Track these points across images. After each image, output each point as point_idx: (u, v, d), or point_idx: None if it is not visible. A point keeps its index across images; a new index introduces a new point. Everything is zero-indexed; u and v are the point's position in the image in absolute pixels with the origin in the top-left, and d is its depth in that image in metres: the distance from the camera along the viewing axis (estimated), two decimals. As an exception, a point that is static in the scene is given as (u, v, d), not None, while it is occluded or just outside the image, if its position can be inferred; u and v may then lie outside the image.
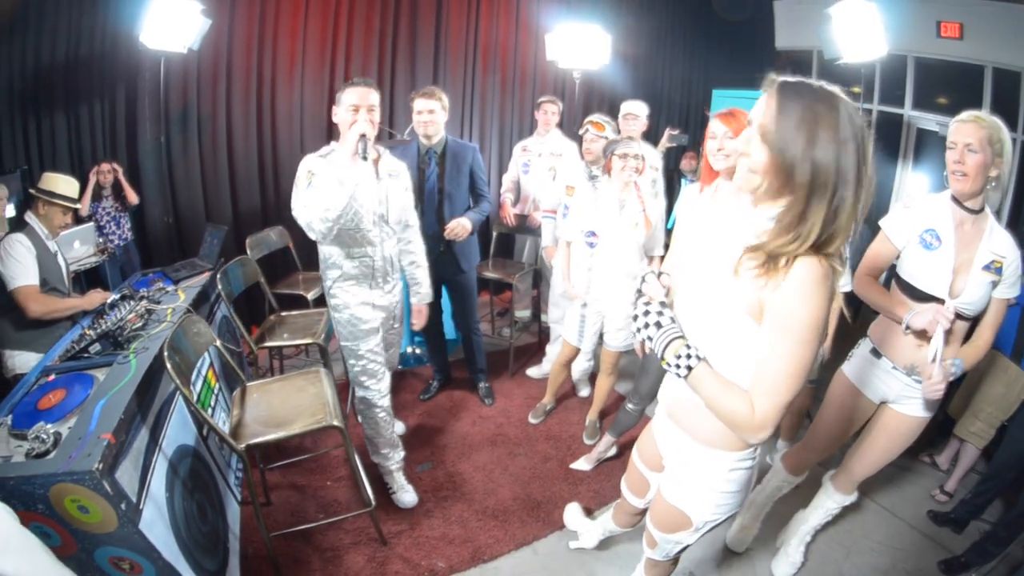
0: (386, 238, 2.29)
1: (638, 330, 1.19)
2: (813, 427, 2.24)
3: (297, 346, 2.71)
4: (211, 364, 2.32)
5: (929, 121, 5.12)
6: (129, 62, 3.32)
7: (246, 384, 2.12)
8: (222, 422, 2.01)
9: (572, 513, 2.41)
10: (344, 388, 3.07)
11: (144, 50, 3.15)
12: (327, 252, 2.23)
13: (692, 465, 1.35)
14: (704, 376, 1.12)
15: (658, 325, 1.16)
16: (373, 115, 2.07)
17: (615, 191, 2.62)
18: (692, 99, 6.08)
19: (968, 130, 1.71)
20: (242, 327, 2.65)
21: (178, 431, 1.88)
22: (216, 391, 2.32)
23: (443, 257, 2.93)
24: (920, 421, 1.98)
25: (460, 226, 2.87)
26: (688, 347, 1.14)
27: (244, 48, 3.67)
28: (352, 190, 1.94)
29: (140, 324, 2.06)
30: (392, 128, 4.15)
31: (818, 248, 1.00)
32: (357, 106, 2.06)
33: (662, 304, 1.20)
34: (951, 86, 5.05)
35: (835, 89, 1.01)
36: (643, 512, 1.78)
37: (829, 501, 2.30)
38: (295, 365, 3.27)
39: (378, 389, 2.36)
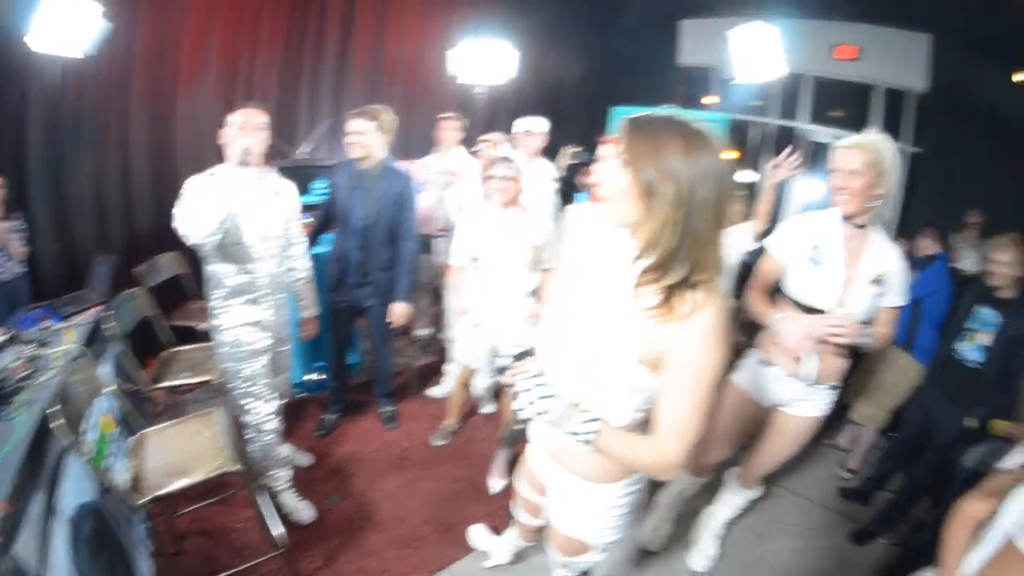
0: (271, 255, 2.37)
1: (530, 404, 1.20)
2: (710, 432, 2.33)
3: (196, 383, 2.70)
4: (105, 411, 2.27)
5: (823, 134, 5.71)
6: (17, 65, 3.12)
7: (143, 432, 2.12)
8: (124, 469, 2.01)
9: (477, 534, 2.54)
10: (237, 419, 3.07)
11: (34, 55, 2.98)
12: (211, 270, 2.29)
13: (582, 499, 1.43)
14: (608, 436, 1.18)
15: (552, 397, 1.19)
16: (259, 133, 2.23)
17: (492, 212, 2.70)
18: (596, 115, 6.16)
19: (849, 156, 1.86)
20: (136, 367, 2.60)
21: (77, 488, 1.86)
22: (113, 437, 2.29)
23: (360, 287, 2.98)
24: (813, 421, 2.17)
25: (399, 317, 3.01)
26: (586, 412, 1.18)
27: (145, 56, 3.56)
28: (231, 198, 2.06)
29: (26, 372, 2.03)
30: (291, 144, 4.13)
31: (694, 282, 1.07)
32: (244, 124, 2.20)
33: (546, 378, 1.23)
34: (844, 103, 5.65)
35: (693, 121, 1.08)
36: (535, 530, 1.92)
37: (735, 496, 2.55)
38: (196, 399, 3.24)
39: (264, 413, 2.42)
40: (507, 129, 3.98)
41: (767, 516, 2.96)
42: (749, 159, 6.25)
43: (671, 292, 1.08)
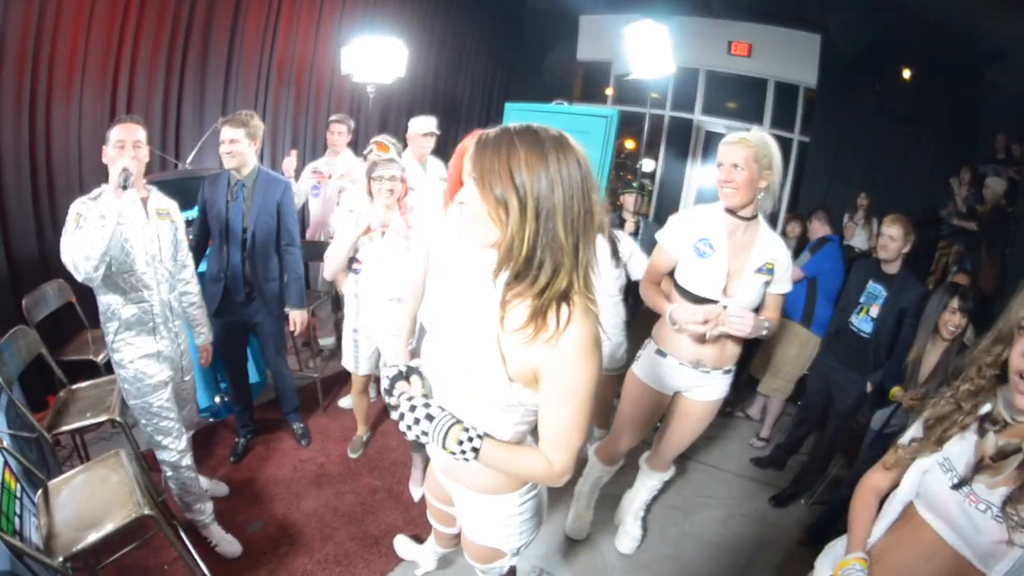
0: (162, 280, 2.33)
1: (408, 427, 1.19)
2: (616, 423, 2.52)
3: (97, 423, 2.57)
4: (5, 464, 2.16)
5: (717, 125, 6.15)
6: None
7: (47, 484, 2.03)
8: (34, 528, 1.92)
9: (401, 544, 2.60)
10: (150, 457, 2.92)
11: None
12: (104, 302, 2.23)
13: (483, 510, 1.47)
14: (491, 452, 1.19)
15: (429, 418, 1.18)
16: (139, 151, 2.16)
17: (377, 215, 2.69)
18: (492, 111, 6.36)
19: (733, 151, 1.94)
20: (30, 416, 2.42)
21: None
22: (18, 494, 2.17)
23: (249, 302, 2.92)
24: (714, 404, 2.28)
25: (301, 323, 3.05)
26: (466, 430, 1.18)
27: (16, 62, 3.24)
28: (114, 225, 2.01)
29: (-95, 433, 1.91)
30: (177, 157, 3.99)
31: (560, 293, 1.08)
32: (122, 142, 2.14)
33: (425, 396, 1.24)
34: (738, 96, 6.08)
35: (545, 130, 1.11)
36: (452, 536, 1.97)
37: (649, 479, 2.66)
38: (102, 437, 3.11)
39: (177, 448, 2.38)
40: (400, 127, 4.03)
41: (688, 492, 3.15)
42: (649, 149, 6.54)
43: (537, 308, 1.09)
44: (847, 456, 3.30)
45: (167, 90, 3.99)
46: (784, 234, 4.39)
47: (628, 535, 2.75)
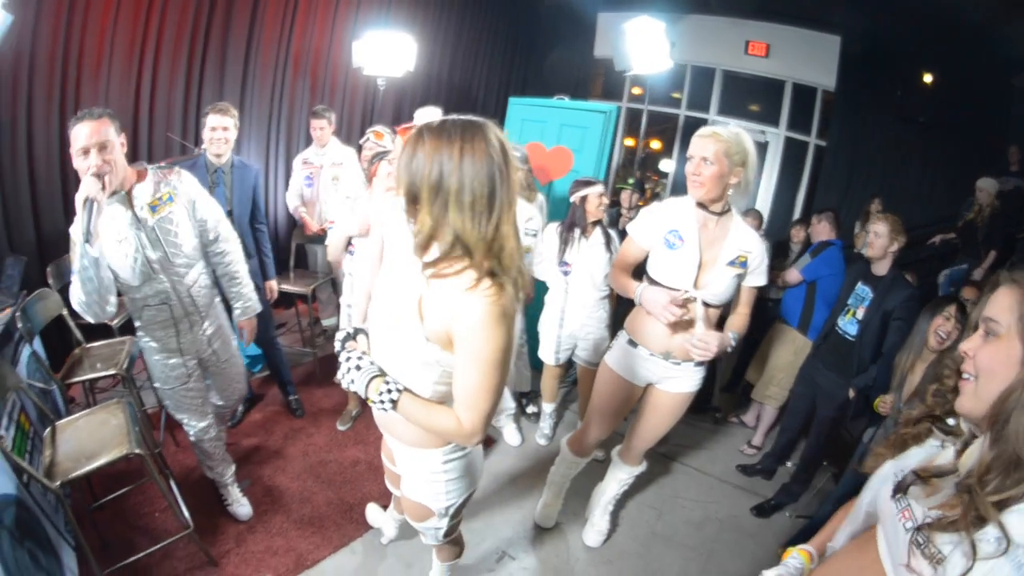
0: (177, 278, 2.26)
1: (342, 376, 1.40)
2: (588, 413, 2.60)
3: (111, 377, 2.93)
4: (22, 407, 2.53)
5: (733, 125, 6.18)
6: None
7: (55, 423, 2.38)
8: (38, 465, 2.23)
9: (372, 512, 2.82)
10: (158, 416, 3.35)
11: None
12: (127, 301, 2.27)
13: (413, 464, 1.65)
14: (408, 405, 1.37)
15: (358, 368, 1.38)
16: (106, 154, 1.94)
17: (375, 198, 2.95)
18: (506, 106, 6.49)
19: (704, 144, 1.99)
20: (48, 367, 2.85)
21: None
22: (30, 435, 2.54)
23: None
24: (685, 396, 2.33)
25: (274, 291, 3.34)
26: (387, 383, 1.36)
27: (48, 49, 3.66)
28: (93, 271, 1.89)
29: (-60, 378, 2.28)
30: (196, 144, 4.26)
31: (487, 272, 1.26)
32: (85, 148, 1.91)
33: (362, 353, 1.44)
34: (755, 97, 6.12)
35: (454, 123, 1.27)
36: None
37: (620, 472, 2.70)
38: (115, 395, 3.49)
39: (194, 428, 2.58)
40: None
41: (667, 492, 3.22)
42: (667, 149, 6.63)
43: (447, 279, 1.29)
44: (837, 468, 3.30)
45: (188, 79, 4.36)
46: (789, 240, 4.46)
47: (595, 528, 2.83)
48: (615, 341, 2.45)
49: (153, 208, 2.14)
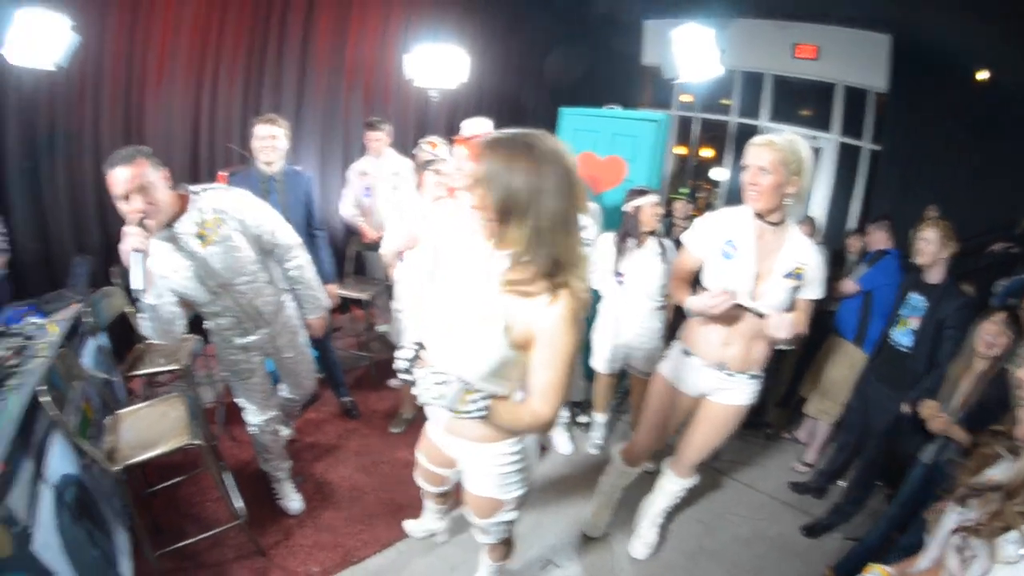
0: (240, 294, 2.33)
1: (426, 393, 1.43)
2: (641, 422, 2.58)
3: (171, 372, 3.06)
4: (86, 396, 2.64)
5: (784, 132, 5.98)
6: None
7: (117, 412, 2.50)
8: (99, 450, 2.33)
9: (410, 526, 2.80)
10: (213, 411, 3.48)
11: (7, 64, 3.27)
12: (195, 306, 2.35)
13: (480, 460, 1.73)
14: (496, 409, 1.44)
15: (444, 383, 1.41)
16: (147, 196, 1.92)
17: (423, 205, 3.00)
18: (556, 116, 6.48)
19: (760, 153, 1.95)
20: (112, 359, 3.00)
21: (61, 461, 2.18)
22: (93, 422, 2.63)
23: None
24: (738, 409, 2.30)
25: (334, 296, 3.27)
26: (476, 393, 1.42)
27: (113, 66, 3.90)
28: (156, 311, 2.00)
29: (15, 362, 2.41)
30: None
31: (559, 281, 1.36)
32: (124, 193, 1.90)
33: (439, 370, 1.45)
34: (805, 101, 5.97)
35: (535, 135, 1.36)
36: (445, 494, 2.31)
37: (671, 485, 2.67)
38: (173, 389, 3.61)
39: (254, 421, 2.66)
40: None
41: (717, 507, 3.16)
42: (718, 157, 6.52)
43: (533, 287, 1.38)
44: (891, 489, 3.09)
45: (246, 91, 4.54)
46: (845, 250, 4.34)
47: (642, 540, 2.80)
48: (670, 351, 2.44)
49: (201, 238, 2.14)
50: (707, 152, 6.72)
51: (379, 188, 4.34)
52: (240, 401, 2.65)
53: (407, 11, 5.28)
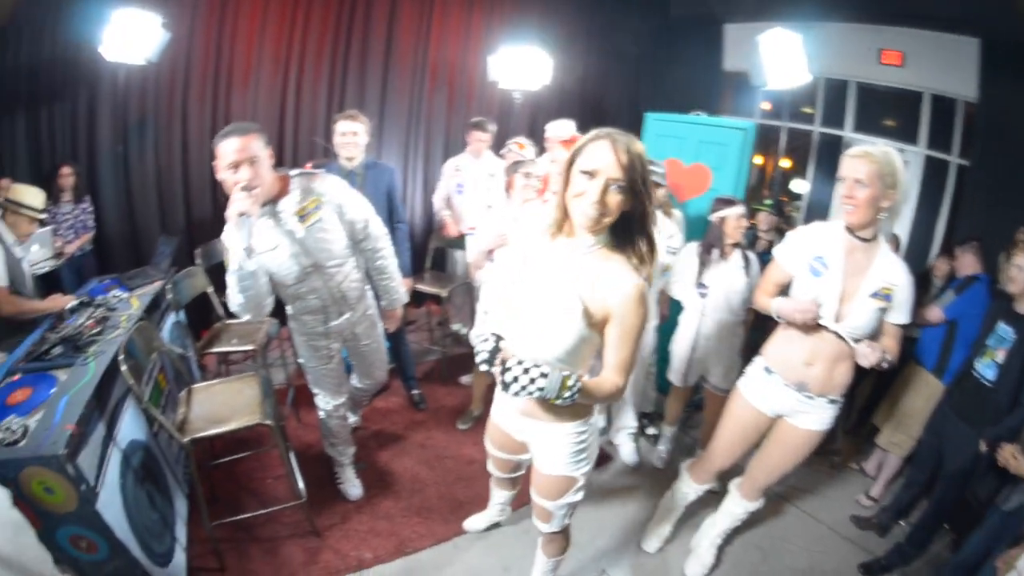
0: (329, 276, 2.31)
1: (523, 387, 1.39)
2: (713, 439, 2.47)
3: (243, 352, 3.09)
4: (161, 368, 2.70)
5: (868, 143, 5.48)
6: (90, 71, 3.66)
7: (192, 386, 2.52)
8: (170, 419, 2.38)
9: (472, 522, 2.76)
10: (285, 393, 3.48)
11: (104, 60, 3.45)
12: (279, 290, 2.31)
13: (553, 439, 1.76)
14: (586, 388, 1.46)
15: (544, 375, 1.38)
16: (255, 168, 1.94)
17: (513, 208, 2.96)
18: (638, 120, 6.26)
19: (857, 165, 1.86)
20: (190, 335, 3.05)
21: (131, 427, 2.24)
22: (165, 393, 2.71)
23: None
24: (814, 434, 2.17)
25: (409, 289, 3.20)
26: (570, 376, 1.42)
27: (201, 60, 4.04)
28: (249, 279, 1.97)
29: (97, 330, 2.44)
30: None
31: (631, 259, 1.51)
32: (235, 163, 1.91)
33: (525, 360, 1.41)
34: (890, 110, 5.55)
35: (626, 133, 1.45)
36: (512, 479, 2.34)
37: (735, 507, 2.54)
38: (243, 370, 3.66)
39: (324, 406, 2.65)
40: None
41: (776, 534, 2.98)
42: (799, 168, 6.18)
43: (615, 263, 1.50)
44: (956, 530, 2.90)
45: (331, 86, 4.58)
46: (931, 273, 4.01)
47: (699, 560, 2.67)
48: (750, 367, 2.33)
49: (301, 218, 2.15)
50: (785, 162, 6.38)
51: (471, 187, 4.28)
52: (312, 387, 2.64)
53: (488, 13, 5.25)
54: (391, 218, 3.29)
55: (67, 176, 3.67)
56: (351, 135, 3.06)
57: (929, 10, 4.89)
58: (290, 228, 2.14)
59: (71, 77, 3.67)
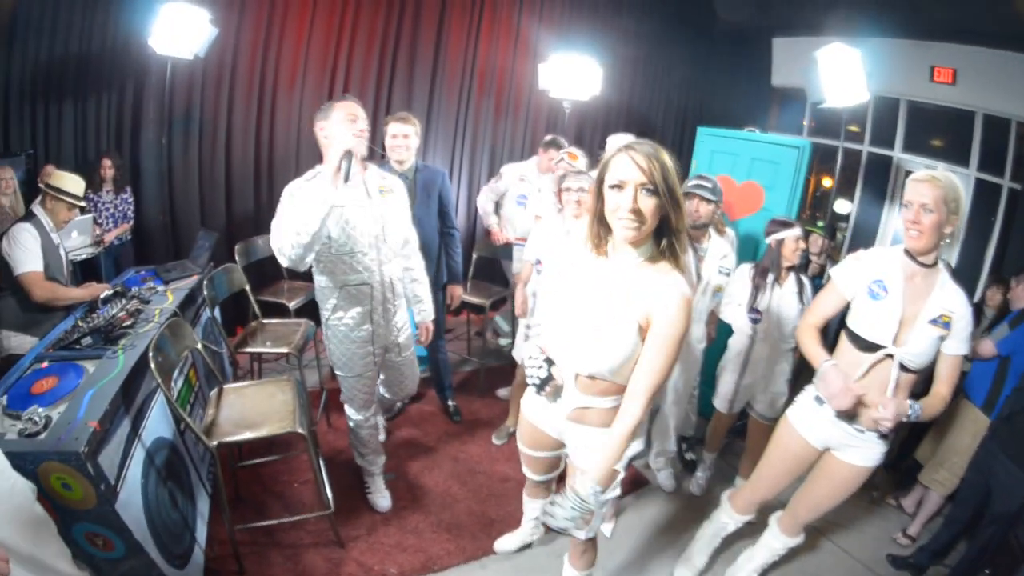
0: (385, 261, 2.29)
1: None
2: (758, 469, 2.34)
3: (276, 353, 2.94)
4: (192, 364, 2.56)
5: (918, 164, 5.28)
6: (138, 63, 3.62)
7: (223, 386, 2.36)
8: (198, 419, 2.25)
9: (503, 543, 2.59)
10: (317, 396, 3.32)
11: (152, 53, 3.40)
12: (322, 280, 2.25)
13: (600, 439, 1.63)
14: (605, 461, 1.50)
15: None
16: (363, 132, 2.10)
17: (564, 220, 2.80)
18: (686, 135, 6.08)
19: (923, 190, 1.79)
20: (224, 333, 2.90)
21: (157, 424, 2.11)
22: (196, 390, 2.57)
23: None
24: (862, 470, 2.05)
25: (458, 298, 3.25)
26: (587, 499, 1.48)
27: (248, 58, 3.96)
28: (327, 211, 1.91)
29: (129, 322, 2.31)
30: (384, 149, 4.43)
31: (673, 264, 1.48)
32: (354, 115, 2.08)
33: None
34: (941, 130, 5.23)
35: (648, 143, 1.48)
36: (547, 483, 2.20)
37: (774, 541, 2.40)
38: (275, 370, 3.53)
39: (357, 416, 2.52)
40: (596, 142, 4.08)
41: (809, 569, 2.80)
42: (843, 187, 5.89)
43: (661, 267, 1.48)
44: None
45: (378, 89, 4.46)
46: (984, 303, 3.73)
47: None
48: (801, 396, 2.20)
49: (381, 191, 2.28)
50: (827, 181, 6.07)
51: (533, 200, 4.05)
52: (345, 398, 2.51)
53: (536, 21, 5.09)
54: (443, 223, 3.15)
55: (108, 168, 3.65)
56: (402, 138, 2.89)
57: (982, 26, 4.59)
58: (373, 194, 2.24)
59: (119, 69, 3.63)
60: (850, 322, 1.99)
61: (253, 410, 2.24)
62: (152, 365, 1.87)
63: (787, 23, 5.52)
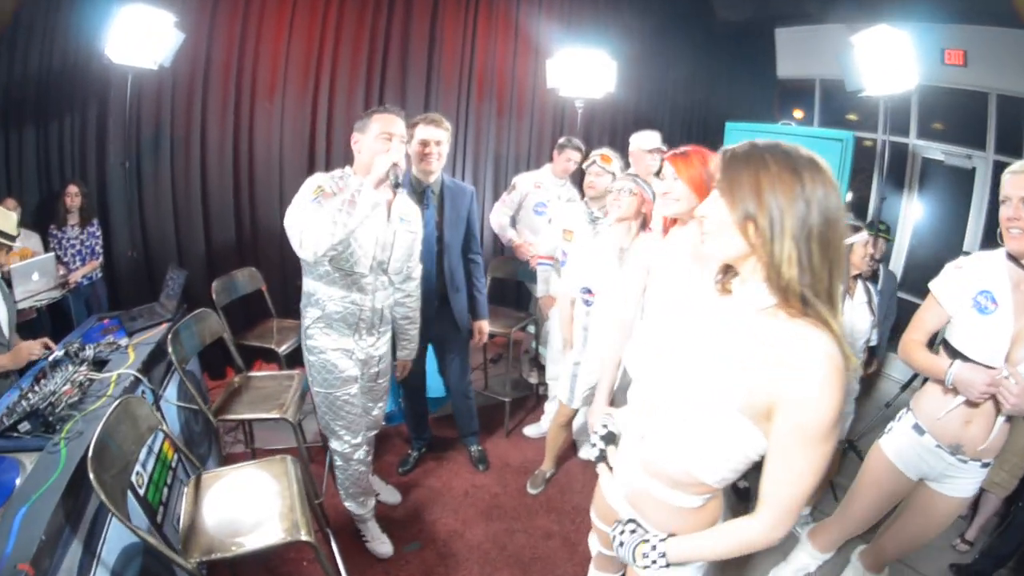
0: (380, 288, 2.05)
1: (620, 544, 1.13)
2: (847, 504, 2.07)
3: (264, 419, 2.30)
4: (166, 436, 1.96)
5: (934, 150, 4.96)
6: (99, 78, 3.09)
7: (201, 474, 1.77)
8: (176, 518, 1.69)
9: None
10: (321, 452, 2.72)
11: (113, 65, 2.87)
12: (312, 287, 1.97)
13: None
14: (683, 549, 1.07)
15: (633, 532, 1.13)
16: (403, 147, 1.93)
17: (616, 237, 2.32)
18: (696, 132, 5.69)
19: (1022, 181, 1.55)
20: (201, 393, 2.29)
21: (122, 529, 1.50)
22: (172, 464, 2.00)
23: (440, 314, 2.58)
24: (961, 502, 1.83)
25: (485, 334, 2.81)
26: (647, 542, 1.09)
27: (222, 67, 3.38)
28: (364, 216, 1.74)
29: (76, 398, 1.73)
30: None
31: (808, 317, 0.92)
32: (389, 134, 1.88)
33: (632, 522, 1.16)
34: (954, 114, 4.89)
35: (791, 147, 0.98)
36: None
37: None
38: (267, 427, 2.91)
39: (351, 442, 2.13)
40: (603, 144, 3.55)
41: None
42: (857, 179, 5.52)
43: (785, 327, 0.93)
44: None
45: (367, 95, 3.88)
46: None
47: None
48: (896, 423, 1.94)
49: (401, 219, 2.06)
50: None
51: (553, 208, 3.51)
52: (330, 423, 2.13)
53: (536, 17, 4.56)
54: (467, 248, 2.63)
55: (74, 196, 3.12)
56: (434, 144, 2.30)
57: (991, 6, 4.26)
58: (392, 219, 2.02)
59: (79, 84, 3.10)
60: (953, 340, 1.72)
61: (242, 508, 1.66)
62: (91, 477, 1.27)
63: (791, 12, 5.09)
